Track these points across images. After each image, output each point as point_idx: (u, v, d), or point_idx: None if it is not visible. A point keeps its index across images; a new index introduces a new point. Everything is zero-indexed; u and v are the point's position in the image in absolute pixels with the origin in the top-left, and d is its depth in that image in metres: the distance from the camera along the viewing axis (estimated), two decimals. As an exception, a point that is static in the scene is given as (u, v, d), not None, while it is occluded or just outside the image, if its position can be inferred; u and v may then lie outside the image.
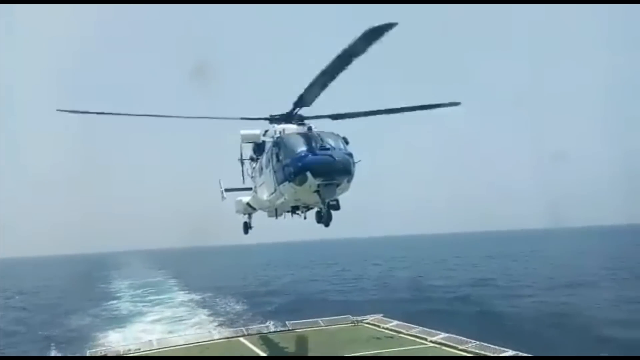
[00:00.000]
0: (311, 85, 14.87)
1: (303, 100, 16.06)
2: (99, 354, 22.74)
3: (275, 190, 16.82)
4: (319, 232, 17.63)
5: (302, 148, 15.12)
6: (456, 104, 18.43)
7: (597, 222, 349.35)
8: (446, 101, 18.18)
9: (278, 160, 16.06)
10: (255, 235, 24.92)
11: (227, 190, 25.63)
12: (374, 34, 11.81)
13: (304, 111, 17.28)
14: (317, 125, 17.19)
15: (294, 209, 18.53)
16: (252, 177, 21.22)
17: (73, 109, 16.74)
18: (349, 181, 15.05)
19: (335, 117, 17.50)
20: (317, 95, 15.50)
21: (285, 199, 16.54)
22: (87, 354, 23.47)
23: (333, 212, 15.74)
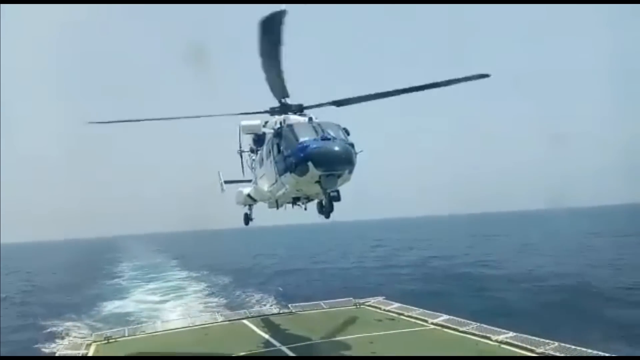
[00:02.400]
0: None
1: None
2: (103, 337, 23.03)
3: (276, 181, 16.56)
4: (315, 217, 17.32)
5: (303, 138, 14.76)
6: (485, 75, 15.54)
7: (599, 203, 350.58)
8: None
9: (279, 151, 15.78)
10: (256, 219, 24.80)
11: (226, 182, 25.51)
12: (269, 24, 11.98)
13: (306, 100, 17.00)
14: (320, 114, 16.86)
15: (295, 200, 18.34)
16: (252, 168, 20.95)
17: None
18: (350, 172, 14.75)
19: (338, 103, 16.72)
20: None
21: (286, 189, 16.29)
22: (92, 337, 23.73)
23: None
